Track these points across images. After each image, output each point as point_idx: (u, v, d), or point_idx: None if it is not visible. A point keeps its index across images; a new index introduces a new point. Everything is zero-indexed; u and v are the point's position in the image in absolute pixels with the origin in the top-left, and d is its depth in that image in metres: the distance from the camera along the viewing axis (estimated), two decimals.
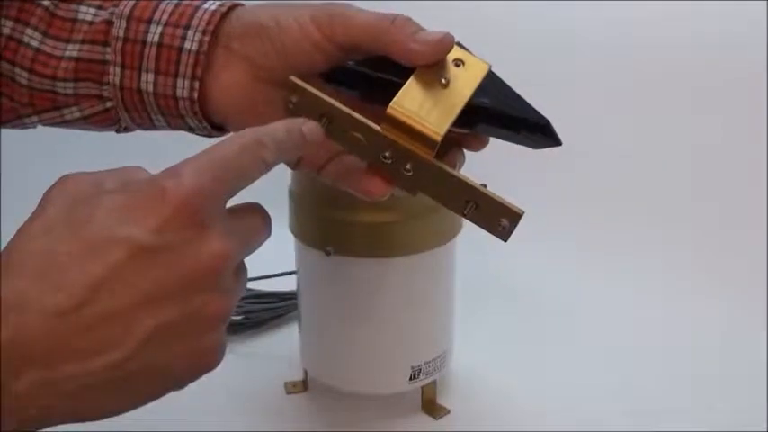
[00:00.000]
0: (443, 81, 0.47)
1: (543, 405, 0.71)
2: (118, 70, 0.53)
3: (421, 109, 0.46)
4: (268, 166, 0.42)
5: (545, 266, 0.92)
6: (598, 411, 0.70)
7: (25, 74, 0.55)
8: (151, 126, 0.56)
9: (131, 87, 0.54)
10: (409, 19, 0.48)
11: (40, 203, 0.39)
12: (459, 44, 0.49)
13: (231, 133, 0.47)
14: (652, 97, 0.98)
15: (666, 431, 0.67)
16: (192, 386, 0.78)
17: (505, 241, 0.49)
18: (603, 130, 1.00)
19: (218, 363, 0.41)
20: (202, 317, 0.39)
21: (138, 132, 0.58)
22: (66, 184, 0.40)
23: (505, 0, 1.03)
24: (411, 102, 0.46)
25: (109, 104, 0.55)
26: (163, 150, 0.61)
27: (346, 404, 0.71)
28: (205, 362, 0.41)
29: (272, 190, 0.72)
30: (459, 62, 0.48)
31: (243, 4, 0.54)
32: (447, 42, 0.48)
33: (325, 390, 0.71)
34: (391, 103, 0.46)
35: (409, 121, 0.46)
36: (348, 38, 0.49)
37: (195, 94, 0.52)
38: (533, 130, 0.50)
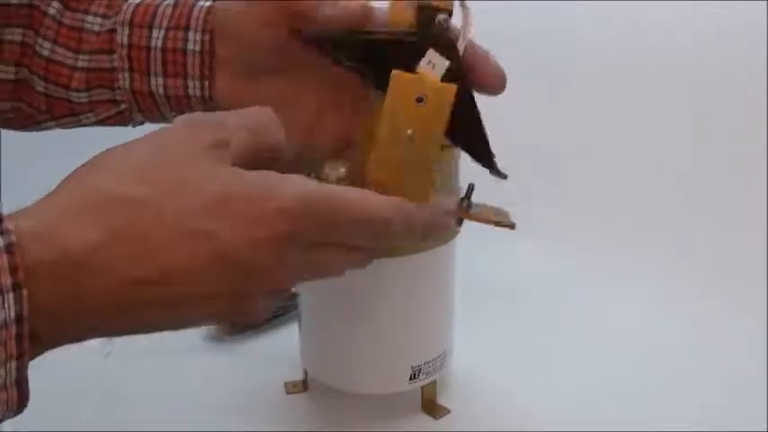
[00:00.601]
0: (409, 133, 0.45)
1: (543, 405, 0.71)
2: (127, 75, 0.55)
3: (396, 176, 0.45)
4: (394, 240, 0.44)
5: (545, 266, 0.92)
6: (598, 411, 0.70)
7: (42, 81, 0.56)
8: (165, 121, 0.57)
9: (142, 90, 0.55)
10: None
11: (142, 141, 0.40)
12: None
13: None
14: (652, 97, 0.98)
15: (666, 431, 0.67)
16: (193, 386, 0.78)
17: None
18: (603, 129, 1.00)
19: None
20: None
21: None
22: (172, 144, 0.40)
23: (504, 0, 1.03)
24: (383, 168, 0.45)
25: (123, 107, 0.56)
26: None
27: (346, 404, 0.71)
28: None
29: None
30: (421, 98, 0.45)
31: None
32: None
33: (326, 390, 0.71)
34: (367, 170, 0.45)
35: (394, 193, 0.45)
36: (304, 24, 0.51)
37: (207, 92, 0.53)
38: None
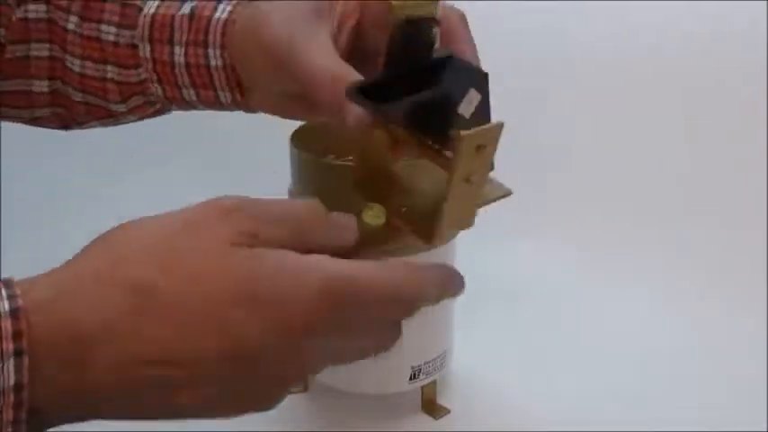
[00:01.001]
0: (472, 180, 0.44)
1: (543, 405, 0.71)
2: (158, 86, 0.56)
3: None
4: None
5: (545, 266, 0.92)
6: (598, 411, 0.70)
7: (79, 93, 0.57)
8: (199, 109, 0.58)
9: (175, 97, 0.56)
10: (348, 72, 0.45)
11: (171, 219, 0.38)
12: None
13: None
14: (652, 97, 0.98)
15: (666, 431, 0.67)
16: None
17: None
18: (603, 129, 1.00)
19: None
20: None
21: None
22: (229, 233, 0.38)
23: (503, 0, 1.03)
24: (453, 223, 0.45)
25: (158, 106, 0.58)
26: (169, 146, 0.61)
27: (346, 404, 0.71)
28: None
29: (272, 190, 0.72)
30: (482, 146, 0.43)
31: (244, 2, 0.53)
32: (365, 122, 0.44)
33: (326, 390, 0.71)
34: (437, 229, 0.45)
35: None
36: (293, 79, 0.47)
37: (238, 98, 0.54)
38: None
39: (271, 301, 0.36)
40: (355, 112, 0.43)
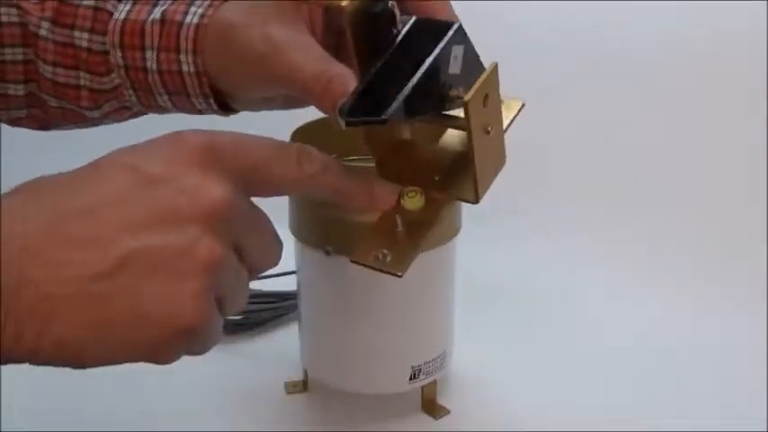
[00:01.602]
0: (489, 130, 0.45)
1: (543, 405, 0.71)
2: (131, 92, 0.55)
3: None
4: (307, 179, 0.43)
5: (545, 266, 0.92)
6: (598, 411, 0.70)
7: (53, 99, 0.57)
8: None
9: (150, 104, 0.55)
10: (345, 80, 0.46)
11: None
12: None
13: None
14: (652, 97, 0.98)
15: (666, 431, 0.67)
16: (193, 386, 0.78)
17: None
18: (603, 130, 1.00)
19: (198, 323, 0.38)
20: (187, 254, 0.37)
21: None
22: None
23: (505, 0, 1.03)
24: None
25: (135, 110, 0.58)
26: None
27: (346, 404, 0.71)
28: (182, 312, 0.37)
29: None
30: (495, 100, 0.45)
31: (221, 4, 0.53)
32: None
33: (326, 390, 0.71)
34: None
35: None
36: (282, 87, 0.49)
37: (214, 107, 0.54)
38: None
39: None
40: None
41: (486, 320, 0.82)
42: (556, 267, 0.91)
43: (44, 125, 0.61)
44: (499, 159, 0.47)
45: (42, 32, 0.56)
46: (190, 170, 0.38)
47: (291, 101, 0.54)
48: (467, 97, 0.42)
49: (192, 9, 0.52)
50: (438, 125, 0.46)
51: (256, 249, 0.42)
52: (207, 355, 0.80)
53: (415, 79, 0.43)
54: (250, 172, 0.41)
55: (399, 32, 0.46)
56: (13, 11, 0.56)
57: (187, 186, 0.37)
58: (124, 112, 0.58)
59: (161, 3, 0.54)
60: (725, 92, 0.94)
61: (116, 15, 0.54)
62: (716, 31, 0.94)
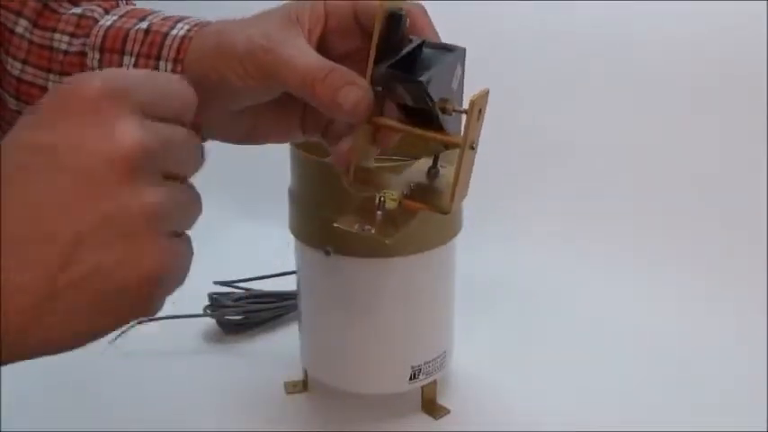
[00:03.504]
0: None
1: (543, 405, 0.71)
2: None
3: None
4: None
5: (545, 266, 0.92)
6: (598, 411, 0.70)
7: (13, 100, 0.56)
8: None
9: None
10: (344, 72, 0.47)
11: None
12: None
13: None
14: (651, 97, 0.98)
15: (667, 431, 0.67)
16: (193, 386, 0.78)
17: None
18: (603, 130, 1.00)
19: (166, 267, 0.38)
20: (126, 217, 0.36)
21: None
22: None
23: (506, 0, 1.02)
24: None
25: None
26: None
27: (346, 404, 0.71)
28: (148, 265, 0.37)
29: (272, 190, 0.72)
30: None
31: (209, 23, 0.53)
32: (362, 106, 0.46)
33: (326, 390, 0.71)
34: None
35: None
36: (278, 81, 0.48)
37: None
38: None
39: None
40: (351, 99, 0.45)
41: (486, 320, 0.82)
42: (556, 267, 0.91)
43: None
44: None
45: (19, 30, 0.55)
46: (92, 129, 0.36)
47: (252, 131, 0.54)
48: (472, 98, 0.44)
49: (180, 25, 0.53)
50: (415, 135, 0.47)
51: (185, 161, 0.41)
52: (207, 355, 0.81)
53: (428, 74, 0.45)
54: (143, 92, 0.38)
55: (411, 42, 0.48)
56: None
57: (96, 148, 0.36)
58: None
59: (149, 17, 0.54)
60: (725, 92, 0.94)
61: (102, 22, 0.54)
62: (716, 31, 0.94)
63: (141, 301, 0.38)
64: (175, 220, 0.39)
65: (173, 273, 0.38)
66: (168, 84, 0.40)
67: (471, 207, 0.68)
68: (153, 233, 0.37)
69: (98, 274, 0.36)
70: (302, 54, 0.47)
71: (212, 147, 0.54)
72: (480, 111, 0.46)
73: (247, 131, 0.54)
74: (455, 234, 0.67)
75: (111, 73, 0.38)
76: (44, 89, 0.55)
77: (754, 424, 0.68)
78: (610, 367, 0.77)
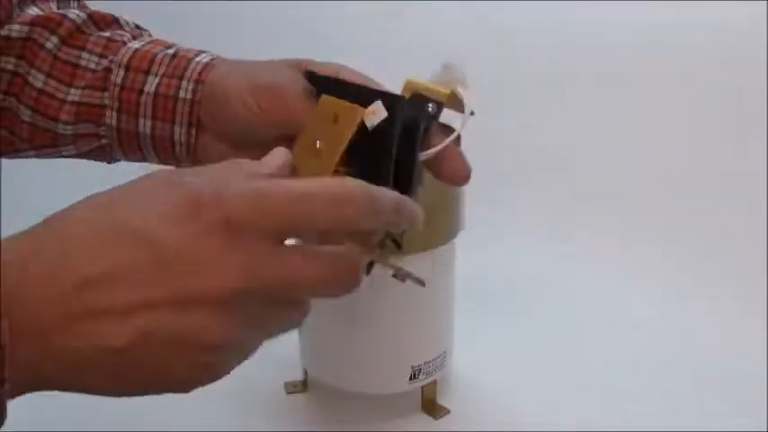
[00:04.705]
0: (318, 145, 0.47)
1: (543, 405, 0.72)
2: (114, 114, 0.56)
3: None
4: (358, 227, 0.39)
5: (545, 267, 0.92)
6: (598, 411, 0.70)
7: (29, 112, 0.57)
8: (144, 161, 0.58)
9: (128, 130, 0.56)
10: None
11: (117, 189, 0.39)
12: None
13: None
14: (651, 98, 0.99)
15: (667, 431, 0.67)
16: None
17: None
18: (603, 130, 1.00)
19: (220, 377, 0.41)
20: (197, 339, 0.38)
21: None
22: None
23: (504, 0, 1.03)
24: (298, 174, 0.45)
25: (104, 141, 0.58)
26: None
27: (346, 404, 0.71)
28: (203, 377, 0.40)
29: None
30: (336, 118, 0.47)
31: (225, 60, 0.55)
32: None
33: (326, 390, 0.71)
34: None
35: None
36: (282, 116, 0.49)
37: (192, 140, 0.54)
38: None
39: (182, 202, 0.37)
40: None
41: (486, 320, 0.83)
42: (556, 267, 0.91)
43: (5, 150, 0.60)
44: None
45: (49, 45, 0.57)
46: (206, 249, 0.37)
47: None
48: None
49: (203, 54, 0.55)
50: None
51: (272, 323, 0.44)
52: None
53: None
54: (276, 233, 0.39)
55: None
56: (26, 28, 0.57)
57: (201, 269, 0.37)
58: (93, 141, 0.57)
59: (175, 46, 0.56)
60: (725, 92, 0.94)
61: (129, 45, 0.56)
62: (716, 31, 0.94)
63: (180, 389, 0.40)
64: (236, 354, 0.42)
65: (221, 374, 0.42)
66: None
67: (471, 207, 0.68)
68: (212, 361, 0.40)
69: (141, 367, 0.38)
70: (307, 98, 0.49)
71: None
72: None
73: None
74: (455, 234, 0.67)
75: (239, 200, 0.38)
76: (63, 101, 0.56)
77: (755, 424, 0.68)
78: (609, 367, 0.77)
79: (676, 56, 0.97)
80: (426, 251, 0.65)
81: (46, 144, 0.58)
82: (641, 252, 0.92)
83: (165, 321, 0.37)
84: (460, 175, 0.50)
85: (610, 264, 0.90)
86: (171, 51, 0.55)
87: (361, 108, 0.46)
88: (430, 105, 0.47)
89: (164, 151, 0.55)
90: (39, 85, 0.56)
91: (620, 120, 0.99)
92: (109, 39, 0.57)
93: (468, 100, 0.47)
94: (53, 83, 0.56)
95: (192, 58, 0.54)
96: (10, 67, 0.57)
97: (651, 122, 0.98)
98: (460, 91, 0.47)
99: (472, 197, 0.68)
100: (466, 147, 0.64)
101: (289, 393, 0.74)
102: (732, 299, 0.83)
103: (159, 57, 0.55)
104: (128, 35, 0.58)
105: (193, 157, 0.54)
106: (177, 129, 0.54)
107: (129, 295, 0.37)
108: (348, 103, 0.46)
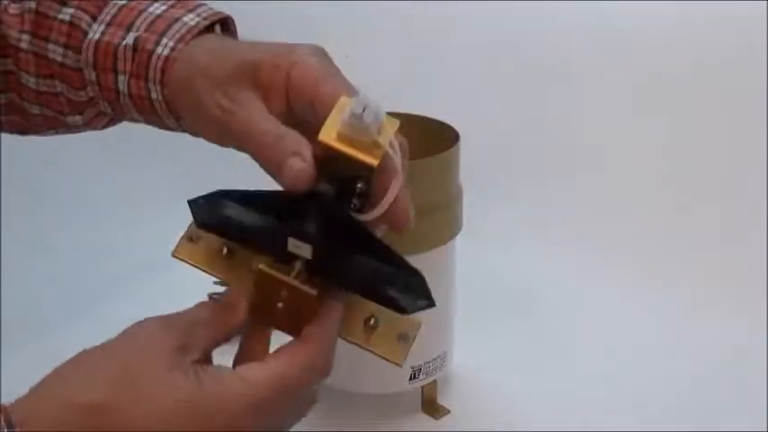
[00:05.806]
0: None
1: (543, 405, 0.72)
2: (106, 104, 0.56)
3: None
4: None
5: (545, 266, 0.92)
6: (598, 412, 0.70)
7: (36, 107, 0.58)
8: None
9: (125, 116, 0.56)
10: (294, 141, 0.46)
11: (119, 342, 0.44)
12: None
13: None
14: (652, 99, 0.98)
15: (667, 431, 0.67)
16: None
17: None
18: (604, 132, 1.00)
19: None
20: None
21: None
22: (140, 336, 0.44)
23: (504, 0, 1.02)
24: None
25: (111, 116, 0.58)
26: (168, 142, 0.61)
27: (346, 404, 0.71)
28: None
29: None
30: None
31: (227, 16, 0.55)
32: (303, 178, 0.45)
33: (326, 390, 0.71)
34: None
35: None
36: (235, 142, 0.49)
37: (183, 126, 0.54)
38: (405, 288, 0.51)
39: (206, 414, 0.43)
40: (294, 170, 0.45)
41: (485, 320, 0.82)
42: (556, 268, 0.91)
43: (24, 131, 0.62)
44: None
45: (23, 45, 0.57)
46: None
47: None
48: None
49: (164, 40, 0.53)
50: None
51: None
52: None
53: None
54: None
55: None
56: None
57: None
58: (102, 119, 0.59)
59: (134, 28, 0.54)
60: (725, 92, 0.94)
61: (90, 35, 0.55)
62: (716, 31, 0.94)
63: None
64: None
65: None
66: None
67: (471, 207, 0.68)
68: None
69: None
70: (259, 119, 0.47)
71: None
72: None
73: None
74: (455, 234, 0.67)
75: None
76: (57, 95, 0.57)
77: (754, 424, 0.68)
78: (609, 367, 0.77)
79: (676, 56, 0.97)
80: (426, 251, 0.65)
81: (60, 126, 0.60)
82: (641, 252, 0.92)
83: None
84: (402, 222, 0.50)
85: (609, 264, 0.90)
86: (131, 41, 0.53)
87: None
88: (359, 185, 0.45)
89: (162, 128, 0.56)
90: (32, 86, 0.58)
91: (621, 123, 0.99)
92: (70, 24, 0.56)
93: (395, 146, 0.44)
94: (41, 80, 0.57)
95: (152, 51, 0.52)
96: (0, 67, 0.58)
97: (651, 123, 0.98)
98: (388, 150, 0.43)
99: (472, 197, 0.68)
100: (466, 146, 0.64)
101: None
102: (732, 299, 0.83)
103: (121, 51, 0.54)
104: (86, 17, 0.56)
105: (192, 133, 0.55)
106: (166, 119, 0.54)
107: None
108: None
